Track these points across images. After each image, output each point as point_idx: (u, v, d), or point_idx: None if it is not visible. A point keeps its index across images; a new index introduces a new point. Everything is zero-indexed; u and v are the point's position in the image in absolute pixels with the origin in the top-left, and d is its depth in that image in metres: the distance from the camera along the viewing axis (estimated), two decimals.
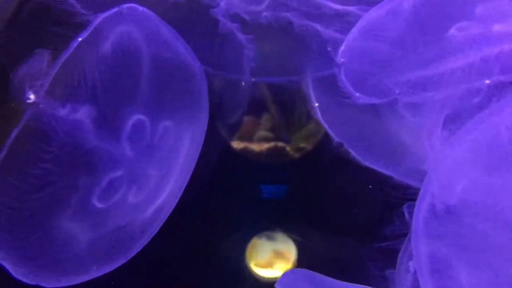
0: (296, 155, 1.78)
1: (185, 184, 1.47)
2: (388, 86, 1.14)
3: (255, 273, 1.75)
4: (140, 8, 1.23)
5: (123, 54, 1.21)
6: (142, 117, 1.27)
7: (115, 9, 1.19)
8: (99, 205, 1.23)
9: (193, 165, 1.47)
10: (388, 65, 1.15)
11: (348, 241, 1.74)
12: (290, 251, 1.75)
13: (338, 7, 1.29)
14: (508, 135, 0.95)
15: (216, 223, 1.76)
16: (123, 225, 1.31)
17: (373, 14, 1.17)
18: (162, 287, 1.74)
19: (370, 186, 1.62)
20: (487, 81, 1.01)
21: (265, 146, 1.77)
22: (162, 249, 1.73)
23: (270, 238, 1.76)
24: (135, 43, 1.24)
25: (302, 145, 1.77)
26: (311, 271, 1.40)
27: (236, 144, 1.77)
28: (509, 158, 0.96)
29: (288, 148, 1.77)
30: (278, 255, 1.75)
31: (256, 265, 1.75)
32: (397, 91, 1.13)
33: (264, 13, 1.33)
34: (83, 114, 1.15)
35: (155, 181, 1.32)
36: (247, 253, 1.75)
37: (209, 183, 1.75)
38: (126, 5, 1.21)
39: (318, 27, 1.32)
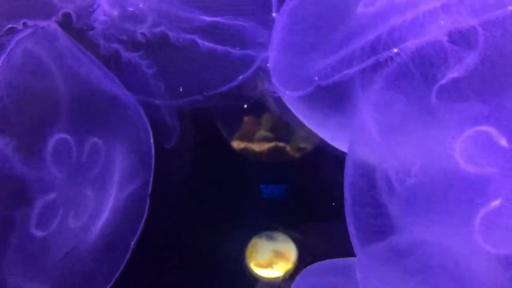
0: (296, 155, 1.77)
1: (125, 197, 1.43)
2: (309, 75, 1.19)
3: (255, 273, 1.75)
4: (53, 26, 1.22)
5: (36, 74, 1.20)
6: (64, 136, 1.25)
7: (30, 30, 1.18)
8: (39, 233, 1.21)
9: (138, 179, 1.43)
10: (307, 56, 1.19)
11: (348, 241, 1.74)
12: (290, 251, 1.75)
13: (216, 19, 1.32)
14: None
15: (216, 223, 1.76)
16: (69, 251, 1.28)
17: (285, 13, 1.22)
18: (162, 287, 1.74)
19: None
20: (395, 50, 1.05)
21: (265, 146, 1.77)
22: (161, 249, 1.74)
23: (270, 238, 1.76)
24: (47, 63, 1.22)
25: (302, 145, 1.76)
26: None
27: (236, 144, 1.77)
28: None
29: (288, 148, 1.77)
30: (278, 255, 1.75)
31: (256, 265, 1.75)
32: (316, 78, 1.17)
33: (143, 31, 1.34)
34: (2, 144, 1.13)
35: (93, 201, 1.30)
36: (247, 253, 1.75)
37: (209, 183, 1.75)
38: (41, 26, 1.20)
39: (197, 38, 1.34)
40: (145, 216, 1.40)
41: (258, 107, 1.74)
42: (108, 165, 1.32)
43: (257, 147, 1.76)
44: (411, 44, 1.04)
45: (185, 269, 1.74)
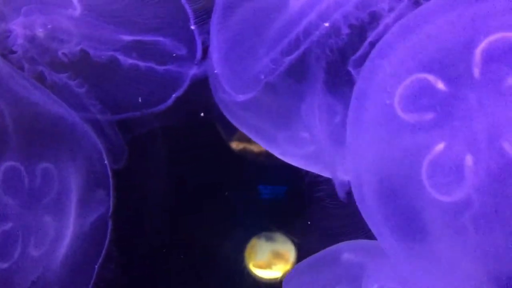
0: None
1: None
2: (256, 75, 1.22)
3: (254, 273, 1.75)
4: None
5: None
6: (14, 163, 1.23)
7: None
8: (1, 265, 1.20)
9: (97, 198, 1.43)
10: (249, 57, 1.23)
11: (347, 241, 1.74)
12: (289, 251, 1.75)
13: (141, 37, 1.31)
14: None
15: (215, 223, 1.76)
16: (36, 280, 1.27)
17: (216, 18, 1.24)
18: None
19: None
20: (326, 24, 1.14)
21: None
22: (161, 250, 1.74)
23: (269, 238, 1.76)
24: None
25: None
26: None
27: (236, 145, 1.76)
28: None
29: None
30: (277, 256, 1.75)
31: (255, 265, 1.75)
32: (262, 76, 1.21)
33: (64, 51, 1.33)
34: None
35: (53, 227, 1.29)
36: (246, 254, 1.76)
37: (208, 183, 1.75)
38: None
39: (119, 55, 1.33)
40: (108, 238, 1.40)
41: None
42: (63, 189, 1.31)
43: (256, 147, 1.75)
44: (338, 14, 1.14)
45: (184, 270, 1.74)
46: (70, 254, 1.35)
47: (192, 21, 1.30)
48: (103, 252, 1.41)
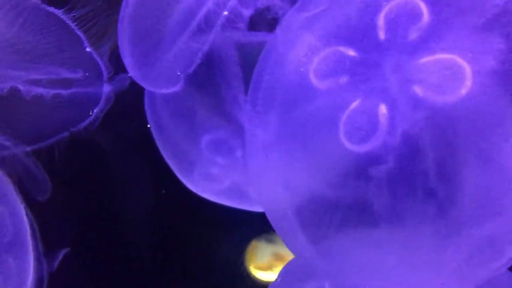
0: None
1: None
2: (172, 71, 1.26)
3: (255, 276, 1.74)
4: None
5: None
6: None
7: None
8: None
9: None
10: (161, 52, 1.26)
11: None
12: (290, 253, 1.73)
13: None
14: None
15: (216, 225, 1.75)
16: None
17: (125, 20, 1.27)
18: None
19: None
20: (225, 13, 1.19)
21: None
22: (161, 251, 1.75)
23: (269, 240, 1.75)
24: None
25: None
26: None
27: None
28: None
29: None
30: (278, 257, 1.74)
31: (256, 267, 1.74)
32: (178, 72, 1.25)
33: None
34: None
35: (15, 266, 1.31)
36: (247, 256, 1.75)
37: None
38: None
39: (21, 87, 1.32)
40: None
41: None
42: (15, 229, 1.34)
43: None
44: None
45: (184, 272, 1.74)
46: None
47: (85, 44, 1.30)
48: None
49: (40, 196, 1.47)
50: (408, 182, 1.01)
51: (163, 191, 1.73)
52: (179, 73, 1.25)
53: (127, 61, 1.28)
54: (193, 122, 1.39)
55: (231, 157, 1.42)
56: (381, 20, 1.01)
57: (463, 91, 0.97)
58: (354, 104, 1.02)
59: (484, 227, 1.01)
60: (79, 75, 1.31)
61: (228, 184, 1.47)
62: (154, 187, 1.72)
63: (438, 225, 1.03)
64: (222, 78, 1.29)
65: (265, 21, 1.24)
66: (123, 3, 1.25)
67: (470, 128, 0.97)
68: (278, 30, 1.14)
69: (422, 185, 1.01)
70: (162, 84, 1.29)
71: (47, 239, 1.39)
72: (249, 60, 1.25)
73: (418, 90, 0.98)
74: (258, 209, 1.53)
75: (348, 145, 1.02)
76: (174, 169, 1.50)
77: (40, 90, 1.31)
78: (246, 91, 1.25)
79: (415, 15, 0.99)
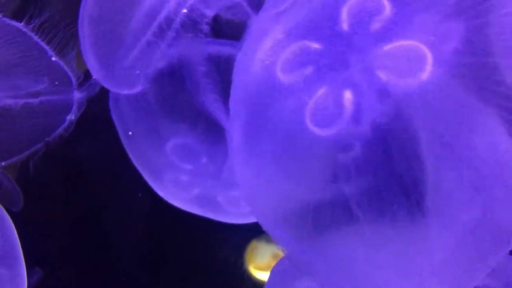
0: None
1: None
2: (133, 71, 1.27)
3: (254, 276, 1.74)
4: None
5: None
6: None
7: None
8: None
9: None
10: (122, 52, 1.26)
11: None
12: None
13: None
14: None
15: (215, 225, 1.76)
16: None
17: (85, 22, 1.27)
18: None
19: None
20: (184, 10, 1.21)
21: None
22: (161, 252, 1.76)
23: (269, 241, 1.74)
24: None
25: None
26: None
27: None
28: None
29: None
30: (278, 258, 1.73)
31: (256, 268, 1.73)
32: (137, 71, 1.26)
33: None
34: None
35: (8, 278, 1.32)
36: (247, 256, 1.74)
37: None
38: None
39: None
40: None
41: None
42: (8, 240, 1.35)
43: None
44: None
45: (184, 273, 1.75)
46: None
47: (50, 53, 1.30)
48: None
49: (13, 207, 1.50)
50: (377, 170, 1.01)
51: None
52: (138, 72, 1.26)
53: (89, 63, 1.29)
54: (157, 126, 1.39)
55: (197, 163, 1.40)
56: (344, 13, 1.04)
57: (424, 75, 0.96)
58: (320, 92, 1.04)
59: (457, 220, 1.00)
60: (45, 84, 1.33)
61: (197, 192, 1.45)
62: (147, 189, 1.73)
63: (413, 216, 1.02)
64: (188, 82, 1.29)
65: (230, 27, 1.26)
66: (81, 4, 1.27)
67: (433, 113, 0.97)
68: (246, 33, 1.17)
69: (390, 173, 1.00)
70: (123, 85, 1.30)
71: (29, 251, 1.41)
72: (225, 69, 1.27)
73: (381, 75, 1.00)
74: (233, 220, 1.53)
75: (316, 129, 1.04)
76: (143, 175, 1.49)
77: (8, 102, 1.33)
78: (222, 99, 1.27)
79: (378, 6, 1.02)
